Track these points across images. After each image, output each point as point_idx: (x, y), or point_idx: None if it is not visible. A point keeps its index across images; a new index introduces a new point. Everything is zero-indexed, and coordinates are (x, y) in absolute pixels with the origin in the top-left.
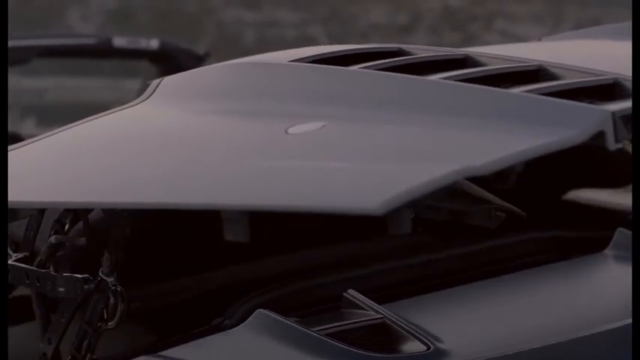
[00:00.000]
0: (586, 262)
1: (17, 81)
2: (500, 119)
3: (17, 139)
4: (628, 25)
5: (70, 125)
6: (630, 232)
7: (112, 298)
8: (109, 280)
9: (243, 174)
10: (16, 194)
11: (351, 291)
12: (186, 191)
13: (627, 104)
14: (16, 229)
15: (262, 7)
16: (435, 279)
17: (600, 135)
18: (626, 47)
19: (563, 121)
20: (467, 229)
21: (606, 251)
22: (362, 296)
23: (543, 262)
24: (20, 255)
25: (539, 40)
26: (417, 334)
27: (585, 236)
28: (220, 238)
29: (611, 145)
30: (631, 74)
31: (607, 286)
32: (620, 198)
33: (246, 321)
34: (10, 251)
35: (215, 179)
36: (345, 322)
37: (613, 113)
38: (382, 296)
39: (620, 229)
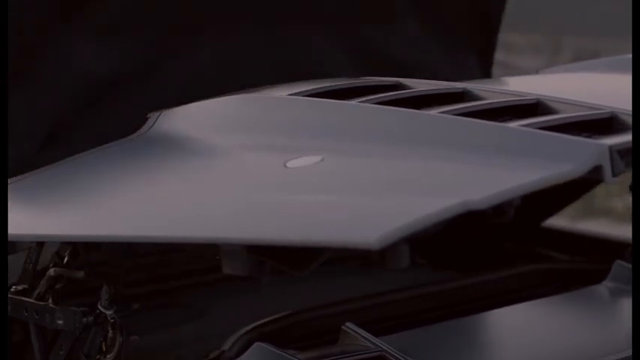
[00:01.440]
0: (585, 295)
1: None
2: (498, 153)
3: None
4: (626, 57)
5: (71, 158)
6: (628, 265)
7: (110, 331)
8: (108, 313)
9: (241, 207)
10: (15, 227)
11: (349, 323)
12: (183, 224)
13: (625, 138)
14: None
15: None
16: (434, 312)
17: (597, 169)
18: (623, 80)
19: (561, 155)
20: (465, 260)
21: (604, 283)
22: (360, 329)
23: (542, 294)
24: (19, 287)
25: (537, 72)
26: None
27: (583, 268)
28: (218, 271)
29: (609, 179)
30: (629, 108)
31: (606, 318)
32: (617, 230)
33: (245, 354)
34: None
35: (213, 213)
36: (343, 355)
37: (610, 147)
38: (380, 329)
39: (618, 261)
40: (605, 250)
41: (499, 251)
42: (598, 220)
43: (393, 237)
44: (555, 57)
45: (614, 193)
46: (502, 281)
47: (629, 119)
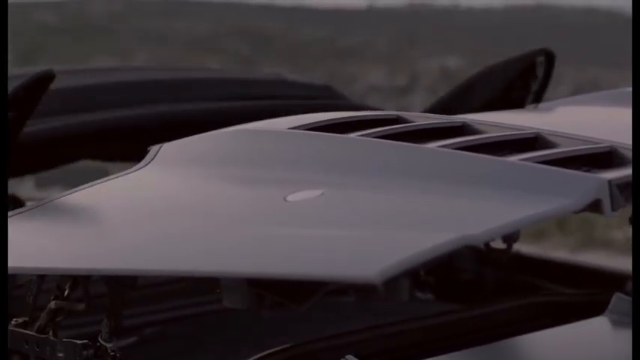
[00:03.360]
0: (584, 327)
1: None
2: (497, 187)
3: (18, 203)
4: (626, 91)
5: (71, 191)
6: (628, 298)
7: None
8: (108, 345)
9: (241, 241)
10: (16, 260)
11: (349, 356)
12: (184, 258)
13: (624, 172)
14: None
15: (260, 68)
16: (434, 344)
17: (597, 203)
18: (623, 114)
19: (560, 189)
20: (466, 292)
21: (604, 316)
22: None
23: (541, 327)
24: (20, 320)
25: (536, 106)
26: None
27: (582, 301)
28: (217, 303)
29: (608, 213)
30: (626, 142)
31: (605, 351)
32: (617, 262)
33: None
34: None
35: (214, 246)
36: None
37: (609, 182)
38: None
39: (617, 294)
40: (604, 283)
41: (499, 283)
42: (597, 252)
43: (394, 271)
44: (556, 89)
45: (614, 225)
46: (502, 313)
47: (628, 153)
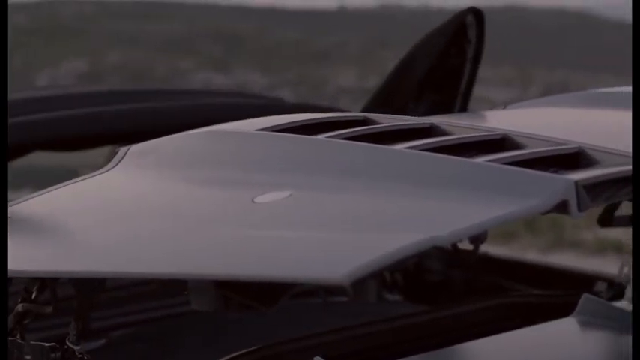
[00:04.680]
0: (552, 328)
1: None
2: (464, 189)
3: None
4: (594, 92)
5: (39, 193)
6: (596, 298)
7: None
8: (76, 348)
9: (209, 243)
10: None
11: (317, 358)
12: (152, 260)
13: (591, 173)
14: None
15: (232, 70)
16: (402, 345)
17: (564, 204)
18: (591, 115)
19: (527, 190)
20: (433, 293)
21: (572, 317)
22: None
23: (509, 327)
24: None
25: (504, 107)
26: None
27: (551, 302)
28: (185, 306)
29: (575, 214)
30: (594, 143)
31: (573, 352)
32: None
33: None
34: None
35: (181, 248)
36: None
37: (576, 183)
38: None
39: (585, 295)
40: (572, 284)
41: (467, 284)
42: (566, 253)
43: (362, 272)
44: (526, 90)
45: (583, 226)
46: (470, 314)
47: (595, 154)
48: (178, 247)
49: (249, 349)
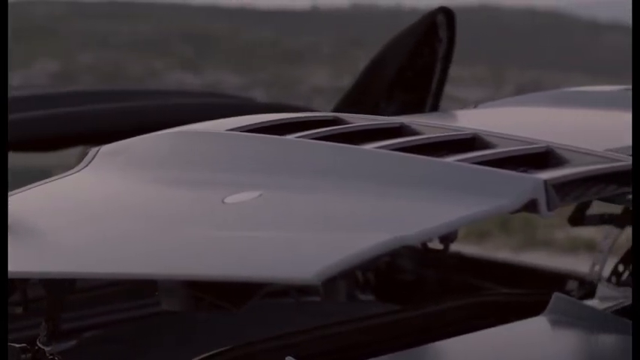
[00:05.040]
0: (523, 327)
1: None
2: (434, 188)
3: None
4: (566, 91)
5: (9, 194)
6: (567, 297)
7: None
8: (47, 349)
9: (179, 243)
10: None
11: (289, 358)
12: (123, 261)
13: (560, 172)
14: None
15: (204, 70)
16: (374, 345)
17: (533, 203)
18: (561, 114)
19: (496, 189)
20: (405, 292)
21: (543, 315)
22: None
23: (481, 326)
24: None
25: (475, 107)
26: None
27: (522, 301)
28: (156, 306)
29: (544, 213)
30: (564, 142)
31: (544, 350)
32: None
33: None
34: None
35: (152, 249)
36: None
37: (545, 182)
38: None
39: (556, 293)
40: (544, 283)
41: (439, 284)
42: (539, 252)
43: (331, 272)
44: (499, 89)
45: (556, 225)
46: (442, 314)
47: (565, 153)
48: (148, 247)
49: (222, 350)
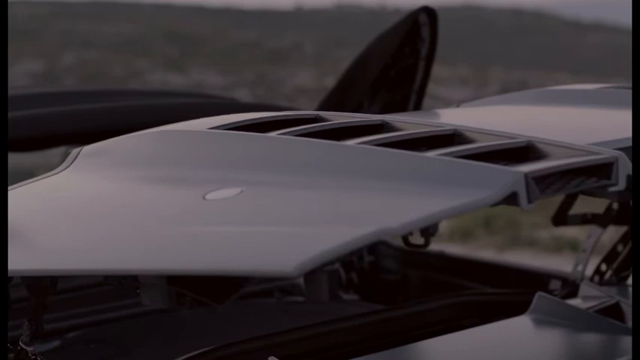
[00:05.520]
0: (507, 327)
1: None
2: (415, 182)
3: None
4: (548, 90)
5: None
6: (550, 297)
7: None
8: (29, 349)
9: (160, 239)
10: None
11: (272, 358)
12: (105, 258)
13: (540, 165)
14: None
15: (189, 70)
16: (358, 344)
17: (513, 196)
18: (543, 112)
19: (477, 182)
20: (389, 291)
21: (526, 315)
22: None
23: (465, 325)
24: None
25: (458, 106)
26: None
27: (505, 300)
28: (140, 306)
29: (524, 205)
30: (546, 137)
31: (527, 349)
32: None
33: None
34: None
35: (133, 245)
36: None
37: (525, 174)
38: None
39: (539, 293)
40: (527, 282)
41: (423, 284)
42: (523, 252)
43: (311, 264)
44: (483, 89)
45: (540, 225)
46: (426, 313)
47: (545, 147)
48: (130, 244)
49: (205, 350)
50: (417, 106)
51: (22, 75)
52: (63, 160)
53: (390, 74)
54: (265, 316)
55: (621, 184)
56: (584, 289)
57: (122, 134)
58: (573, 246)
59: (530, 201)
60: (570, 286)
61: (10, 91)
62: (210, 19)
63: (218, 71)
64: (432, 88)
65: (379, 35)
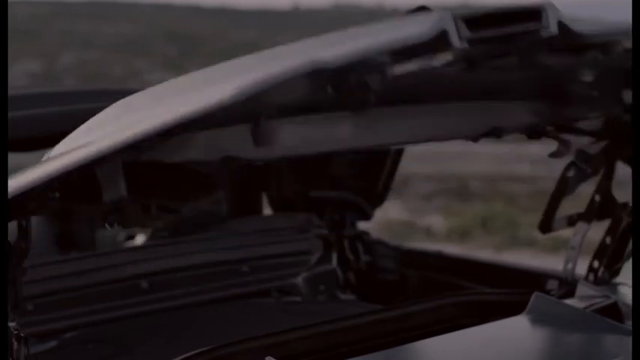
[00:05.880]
0: (504, 326)
1: None
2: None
3: None
4: None
5: None
6: (547, 296)
7: (15, 344)
8: (11, 325)
9: None
10: None
11: (269, 358)
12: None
13: (471, 10)
14: None
15: (187, 70)
16: (357, 344)
17: (444, 34)
18: None
19: (413, 24)
20: (387, 291)
21: (523, 315)
22: None
23: (462, 325)
24: None
25: None
26: None
27: (503, 300)
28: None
29: (456, 42)
30: None
31: (523, 349)
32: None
33: None
34: None
35: None
36: None
37: (453, 13)
38: None
39: (536, 293)
40: (524, 282)
41: (421, 283)
42: (522, 252)
43: (247, 91)
44: None
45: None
46: (423, 313)
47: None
48: None
49: (203, 350)
50: None
51: (20, 75)
52: None
53: None
54: (264, 316)
55: (553, 28)
56: (581, 288)
57: None
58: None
59: (461, 38)
60: (567, 286)
61: (10, 91)
62: (208, 19)
63: None
64: None
65: None
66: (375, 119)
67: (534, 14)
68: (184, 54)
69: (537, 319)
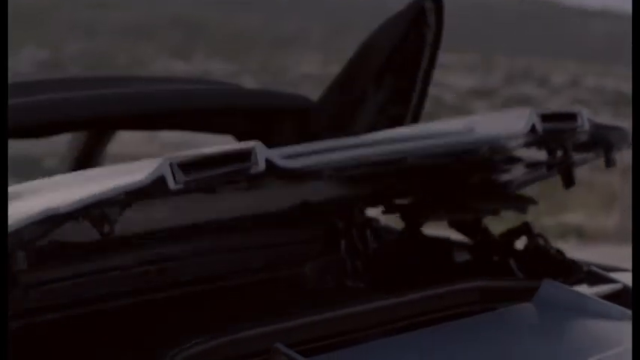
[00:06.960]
0: (513, 313)
1: None
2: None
3: None
4: None
5: None
6: (556, 283)
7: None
8: None
9: None
10: None
11: (279, 344)
12: None
13: (186, 154)
14: None
15: (193, 57)
16: (364, 331)
17: (163, 179)
18: None
19: (139, 171)
20: (394, 278)
21: (532, 302)
22: (290, 349)
23: (472, 312)
24: None
25: None
26: None
27: (512, 286)
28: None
29: (172, 185)
30: None
31: (533, 336)
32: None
33: None
34: None
35: None
36: None
37: (170, 160)
38: (311, 349)
39: (545, 280)
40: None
41: (429, 270)
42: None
43: None
44: (488, 76)
45: (544, 211)
46: (431, 300)
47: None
48: None
49: (212, 335)
50: (423, 93)
51: (27, 63)
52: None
53: (396, 61)
54: (274, 302)
55: (261, 165)
56: (591, 275)
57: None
58: (579, 232)
59: (176, 182)
60: (577, 272)
61: (15, 79)
62: (214, 6)
63: (223, 58)
64: (436, 74)
65: (384, 22)
66: None
67: (244, 155)
68: (190, 41)
69: (547, 306)
